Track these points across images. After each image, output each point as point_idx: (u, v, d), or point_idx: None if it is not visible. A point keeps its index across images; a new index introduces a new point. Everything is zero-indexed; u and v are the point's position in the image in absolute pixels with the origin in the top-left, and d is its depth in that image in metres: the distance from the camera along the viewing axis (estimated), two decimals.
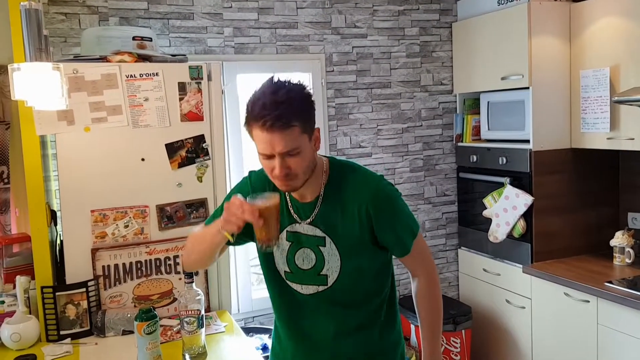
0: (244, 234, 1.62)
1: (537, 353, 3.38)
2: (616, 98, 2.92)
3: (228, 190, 2.62)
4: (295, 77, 1.56)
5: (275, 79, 1.52)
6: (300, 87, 1.52)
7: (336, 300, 1.67)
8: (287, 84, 1.50)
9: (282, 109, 1.44)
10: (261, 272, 1.80)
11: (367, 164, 3.76)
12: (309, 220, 1.65)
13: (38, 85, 1.77)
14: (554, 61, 3.35)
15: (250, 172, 1.78)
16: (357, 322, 1.70)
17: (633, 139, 3.00)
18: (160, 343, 1.92)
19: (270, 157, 1.51)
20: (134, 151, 2.36)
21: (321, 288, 1.67)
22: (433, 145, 3.99)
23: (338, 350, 1.71)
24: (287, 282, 1.70)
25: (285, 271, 1.70)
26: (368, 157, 3.79)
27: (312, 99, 1.55)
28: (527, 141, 3.37)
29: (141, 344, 1.84)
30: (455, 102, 4.02)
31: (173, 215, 2.42)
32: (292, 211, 1.67)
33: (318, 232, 1.64)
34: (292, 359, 1.78)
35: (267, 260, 1.73)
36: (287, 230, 1.67)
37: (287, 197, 1.67)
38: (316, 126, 1.56)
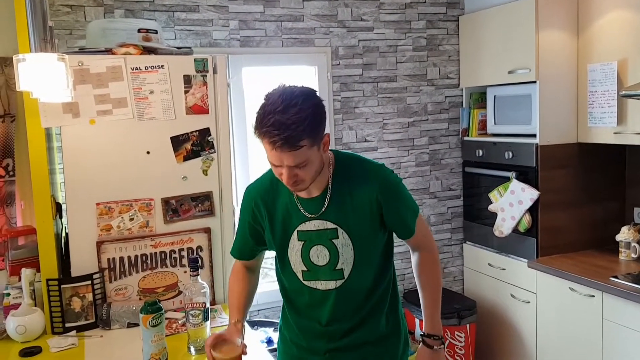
0: (260, 244, 1.78)
1: (542, 348, 3.37)
2: (623, 92, 2.90)
3: (233, 185, 2.63)
4: (306, 83, 1.56)
5: (287, 93, 1.48)
6: (311, 102, 1.50)
7: (353, 290, 1.71)
8: (298, 101, 1.46)
9: (291, 130, 1.44)
10: (265, 267, 1.81)
11: (373, 158, 3.74)
12: (318, 214, 1.66)
13: (43, 76, 1.76)
14: (561, 55, 3.32)
15: (249, 187, 1.80)
16: (368, 310, 1.74)
17: None
18: (166, 336, 1.92)
19: (278, 165, 1.53)
20: (139, 144, 2.36)
21: (339, 283, 1.70)
22: (439, 140, 3.97)
23: (352, 339, 1.74)
24: (304, 282, 1.73)
25: (302, 270, 1.72)
26: (374, 151, 3.77)
27: (324, 109, 1.55)
28: (534, 135, 3.36)
29: (146, 336, 1.84)
30: (462, 96, 4.00)
31: (178, 208, 2.42)
32: (300, 208, 1.68)
33: (329, 225, 1.66)
34: (306, 352, 1.80)
35: (283, 264, 1.76)
36: (297, 231, 1.69)
37: (295, 197, 1.69)
38: (326, 132, 1.56)
